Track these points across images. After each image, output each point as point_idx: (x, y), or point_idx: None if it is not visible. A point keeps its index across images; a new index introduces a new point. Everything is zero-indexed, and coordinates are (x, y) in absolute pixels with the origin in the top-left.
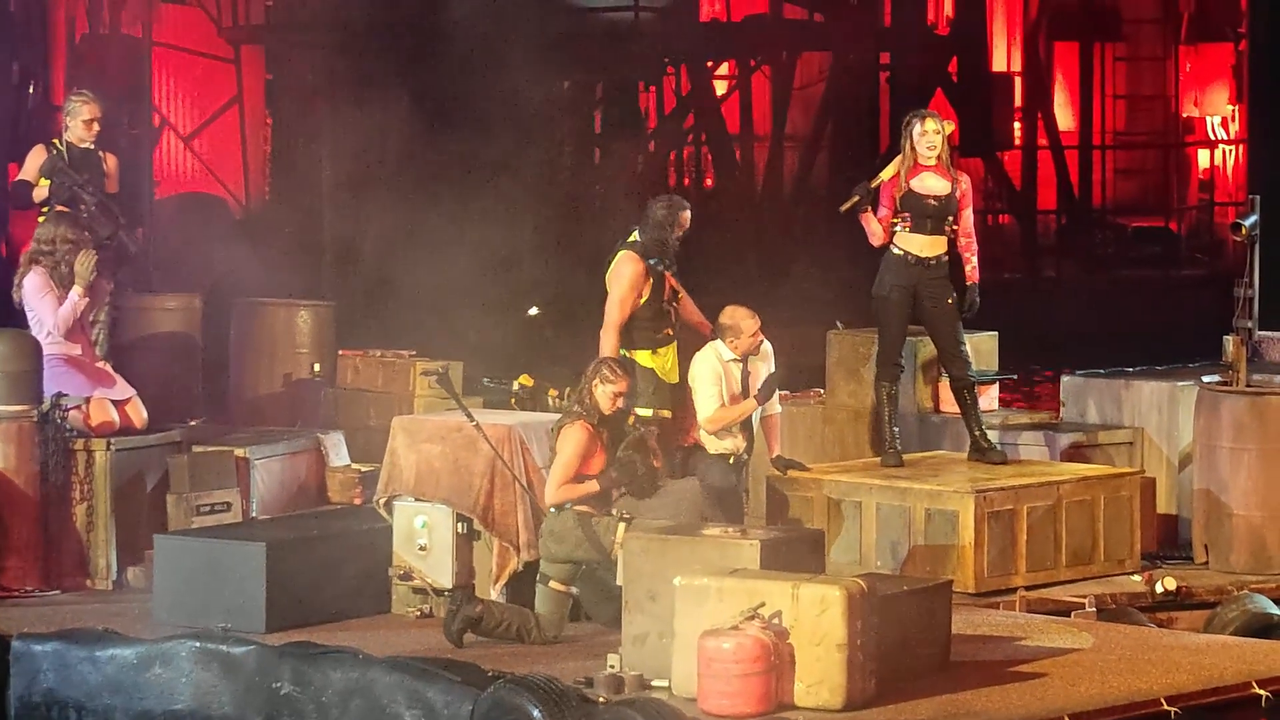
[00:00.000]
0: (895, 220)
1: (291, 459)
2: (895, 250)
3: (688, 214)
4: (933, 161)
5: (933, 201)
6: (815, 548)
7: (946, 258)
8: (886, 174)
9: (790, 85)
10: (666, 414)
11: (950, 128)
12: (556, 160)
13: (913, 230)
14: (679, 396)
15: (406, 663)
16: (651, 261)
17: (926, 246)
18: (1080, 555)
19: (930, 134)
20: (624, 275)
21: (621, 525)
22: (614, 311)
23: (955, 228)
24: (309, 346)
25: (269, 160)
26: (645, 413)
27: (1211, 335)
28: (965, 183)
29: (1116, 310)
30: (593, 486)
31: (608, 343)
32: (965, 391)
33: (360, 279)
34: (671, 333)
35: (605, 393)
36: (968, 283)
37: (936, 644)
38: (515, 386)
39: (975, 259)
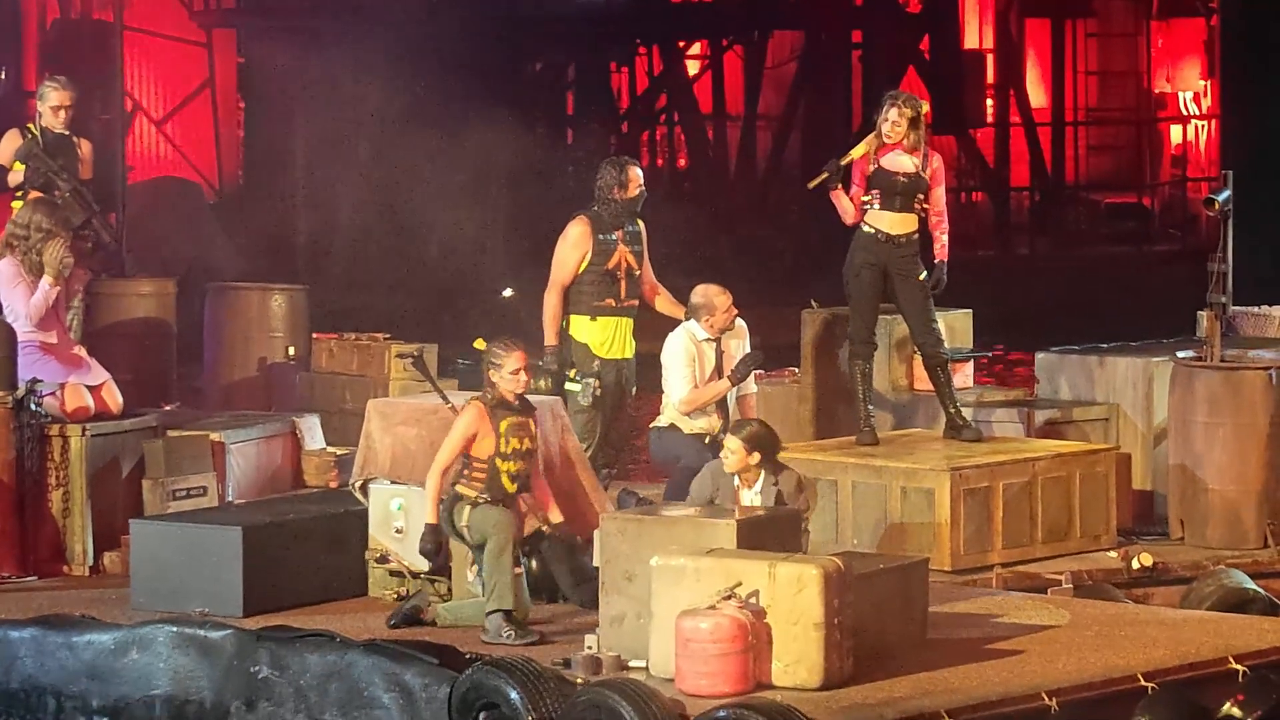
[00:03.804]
0: (866, 198)
1: (267, 443)
2: (865, 228)
3: (635, 170)
4: (894, 140)
5: (901, 178)
6: (792, 527)
7: (917, 236)
8: (857, 152)
9: (762, 65)
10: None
11: (924, 107)
12: (529, 141)
13: (882, 207)
14: (627, 373)
15: (384, 646)
16: (600, 237)
17: (896, 224)
18: (1056, 532)
19: (891, 122)
20: (567, 235)
21: (467, 508)
22: (555, 270)
23: (926, 205)
24: (283, 330)
25: (242, 144)
26: (575, 387)
27: (1185, 310)
28: (936, 161)
29: (1090, 286)
30: (430, 512)
31: (549, 302)
32: (938, 369)
33: (334, 262)
34: (615, 304)
35: (501, 375)
36: (936, 260)
37: (913, 622)
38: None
39: (945, 237)
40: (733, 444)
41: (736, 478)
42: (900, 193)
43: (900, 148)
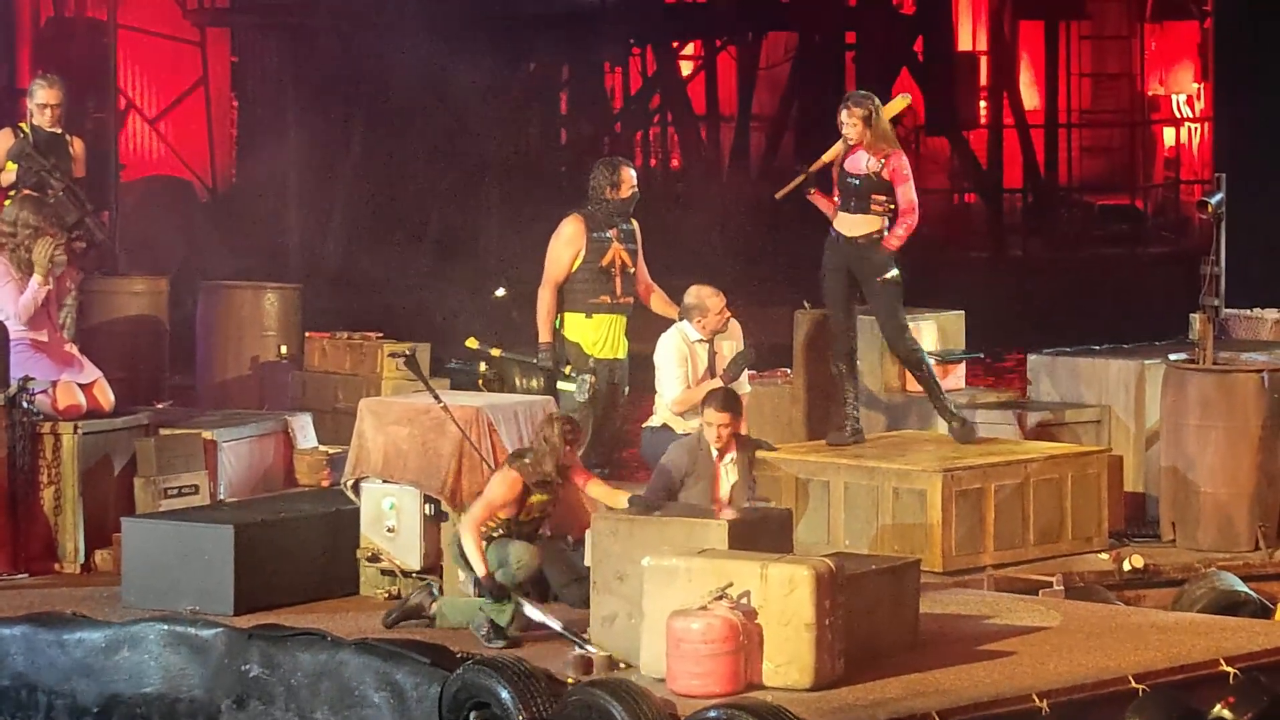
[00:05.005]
0: (837, 200)
1: (259, 441)
2: (831, 231)
3: (629, 170)
4: (855, 141)
5: (852, 180)
6: (783, 528)
7: (879, 237)
8: (828, 156)
9: (756, 65)
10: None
11: (868, 107)
12: (523, 141)
13: (841, 209)
14: (620, 372)
15: (375, 645)
16: (594, 234)
17: (853, 226)
18: (1048, 533)
19: (845, 124)
20: (560, 232)
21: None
22: (548, 267)
23: (894, 205)
24: (276, 329)
25: (235, 143)
26: (569, 386)
27: (1178, 313)
28: (897, 160)
29: (1083, 288)
30: (480, 566)
31: (543, 299)
32: (914, 370)
33: (327, 261)
34: (610, 301)
35: (554, 450)
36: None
37: (905, 623)
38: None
39: (901, 229)
40: (720, 418)
41: (714, 450)
42: (855, 194)
43: (863, 148)
